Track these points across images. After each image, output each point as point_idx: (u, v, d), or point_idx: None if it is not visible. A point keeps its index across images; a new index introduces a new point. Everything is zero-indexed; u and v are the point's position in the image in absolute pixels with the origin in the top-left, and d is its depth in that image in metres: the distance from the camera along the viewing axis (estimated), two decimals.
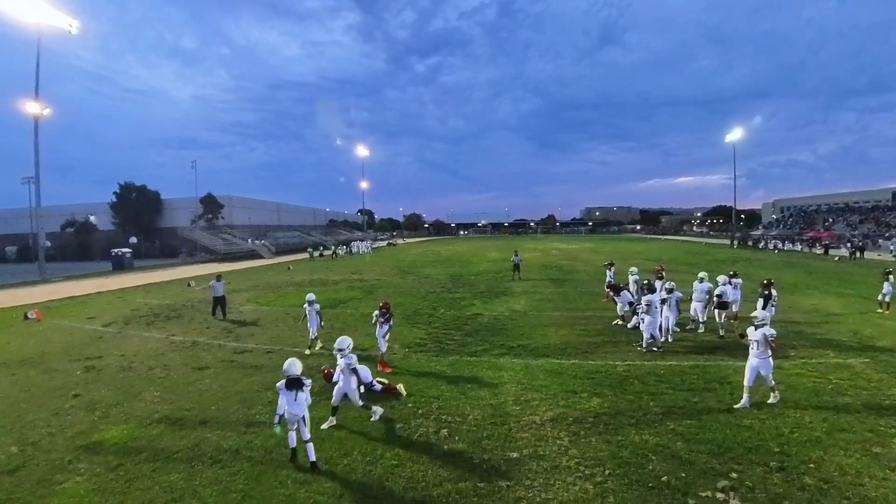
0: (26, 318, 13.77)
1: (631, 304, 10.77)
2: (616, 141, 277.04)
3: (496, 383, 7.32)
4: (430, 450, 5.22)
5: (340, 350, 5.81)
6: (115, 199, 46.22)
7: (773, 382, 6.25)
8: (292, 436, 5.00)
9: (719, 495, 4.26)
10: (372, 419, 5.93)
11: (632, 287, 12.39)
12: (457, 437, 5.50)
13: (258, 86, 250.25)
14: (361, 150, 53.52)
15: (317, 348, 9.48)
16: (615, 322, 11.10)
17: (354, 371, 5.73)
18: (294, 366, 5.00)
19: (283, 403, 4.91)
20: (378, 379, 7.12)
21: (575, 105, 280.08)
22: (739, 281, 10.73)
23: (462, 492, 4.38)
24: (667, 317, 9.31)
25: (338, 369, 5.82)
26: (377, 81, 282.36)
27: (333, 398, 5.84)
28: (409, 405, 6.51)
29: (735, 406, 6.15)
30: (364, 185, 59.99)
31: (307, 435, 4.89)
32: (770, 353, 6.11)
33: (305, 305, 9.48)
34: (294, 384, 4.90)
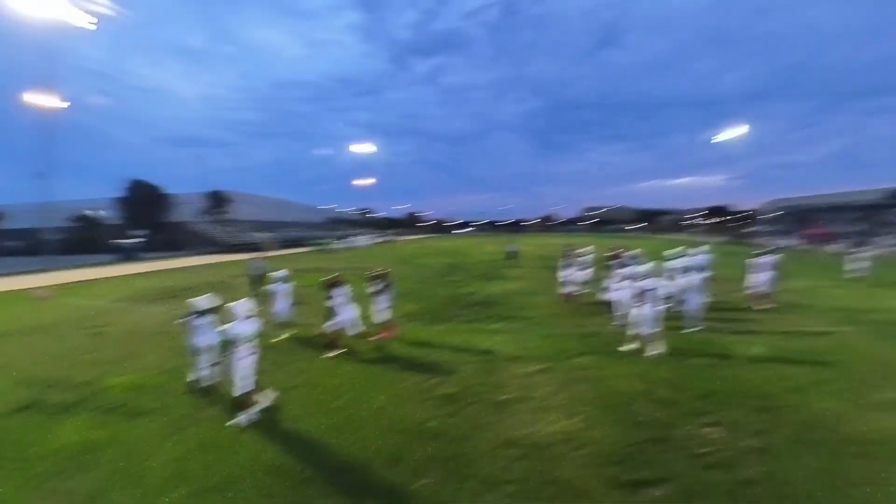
0: (36, 297, 14.11)
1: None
2: (616, 141, 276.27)
3: (489, 344, 7.49)
4: (420, 394, 5.40)
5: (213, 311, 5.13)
6: (122, 195, 46.80)
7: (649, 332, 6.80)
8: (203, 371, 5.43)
9: (704, 429, 4.41)
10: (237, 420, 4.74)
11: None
12: (447, 384, 5.67)
13: (263, 85, 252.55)
14: (362, 149, 53.85)
15: (284, 336, 8.14)
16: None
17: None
18: (202, 301, 5.43)
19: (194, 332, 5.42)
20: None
21: (575, 106, 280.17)
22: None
23: (450, 426, 4.55)
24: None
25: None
26: (379, 81, 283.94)
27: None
28: (402, 360, 6.69)
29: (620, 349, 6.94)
30: (365, 182, 60.32)
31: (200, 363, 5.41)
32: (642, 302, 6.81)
33: (272, 285, 8.19)
34: (201, 315, 5.38)
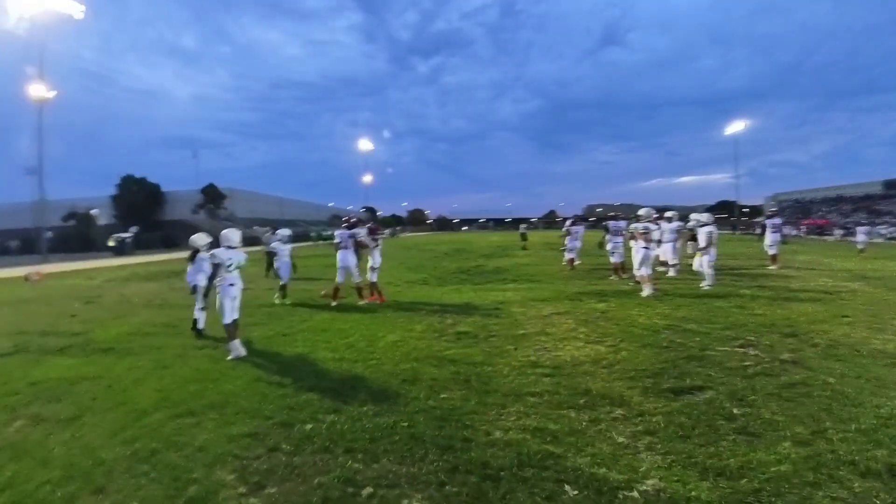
0: (28, 279, 13.69)
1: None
2: (618, 141, 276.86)
3: (502, 297, 7.20)
4: (435, 332, 5.08)
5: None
6: (116, 192, 46.24)
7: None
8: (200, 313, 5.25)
9: (738, 349, 4.15)
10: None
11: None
12: (462, 324, 5.36)
13: (259, 85, 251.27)
14: (364, 145, 53.40)
15: (281, 300, 7.44)
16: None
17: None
18: (199, 239, 5.25)
19: (190, 272, 5.32)
20: None
21: (577, 105, 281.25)
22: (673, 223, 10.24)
23: (468, 354, 4.23)
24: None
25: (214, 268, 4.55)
26: (380, 82, 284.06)
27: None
28: (412, 308, 6.38)
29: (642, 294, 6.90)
30: (367, 178, 59.82)
31: (199, 303, 5.25)
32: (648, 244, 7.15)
33: (276, 242, 7.61)
34: (193, 255, 5.19)
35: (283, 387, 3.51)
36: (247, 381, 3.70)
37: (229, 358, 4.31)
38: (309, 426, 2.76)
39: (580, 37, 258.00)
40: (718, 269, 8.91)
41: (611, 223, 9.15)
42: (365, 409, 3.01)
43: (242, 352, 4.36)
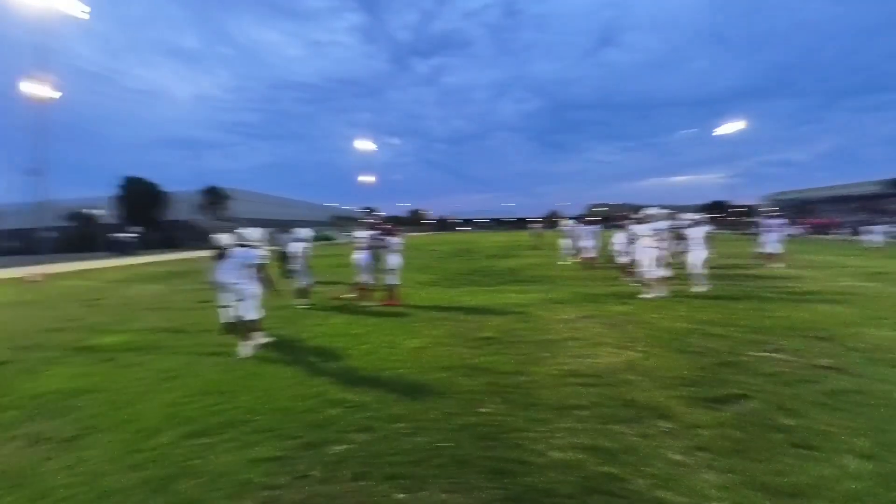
0: (27, 281, 13.37)
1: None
2: (616, 140, 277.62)
3: (519, 299, 6.99)
4: (458, 337, 4.85)
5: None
6: (118, 193, 45.80)
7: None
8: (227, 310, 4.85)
9: (771, 355, 3.98)
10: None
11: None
12: (485, 329, 5.11)
13: (260, 86, 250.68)
14: (365, 145, 52.77)
15: (304, 302, 7.19)
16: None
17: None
18: (222, 237, 4.93)
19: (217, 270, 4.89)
20: None
21: (576, 105, 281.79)
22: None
23: (499, 363, 3.99)
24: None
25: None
26: (379, 82, 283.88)
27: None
28: (430, 311, 6.12)
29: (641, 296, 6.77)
30: (367, 180, 59.30)
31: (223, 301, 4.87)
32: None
33: (293, 243, 7.28)
34: (220, 254, 4.78)
35: (304, 399, 3.24)
36: (264, 393, 3.43)
37: (239, 354, 4.40)
38: (340, 447, 2.49)
39: (579, 37, 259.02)
40: (718, 270, 8.82)
41: (634, 224, 8.87)
42: (399, 426, 2.75)
43: (249, 352, 4.42)
